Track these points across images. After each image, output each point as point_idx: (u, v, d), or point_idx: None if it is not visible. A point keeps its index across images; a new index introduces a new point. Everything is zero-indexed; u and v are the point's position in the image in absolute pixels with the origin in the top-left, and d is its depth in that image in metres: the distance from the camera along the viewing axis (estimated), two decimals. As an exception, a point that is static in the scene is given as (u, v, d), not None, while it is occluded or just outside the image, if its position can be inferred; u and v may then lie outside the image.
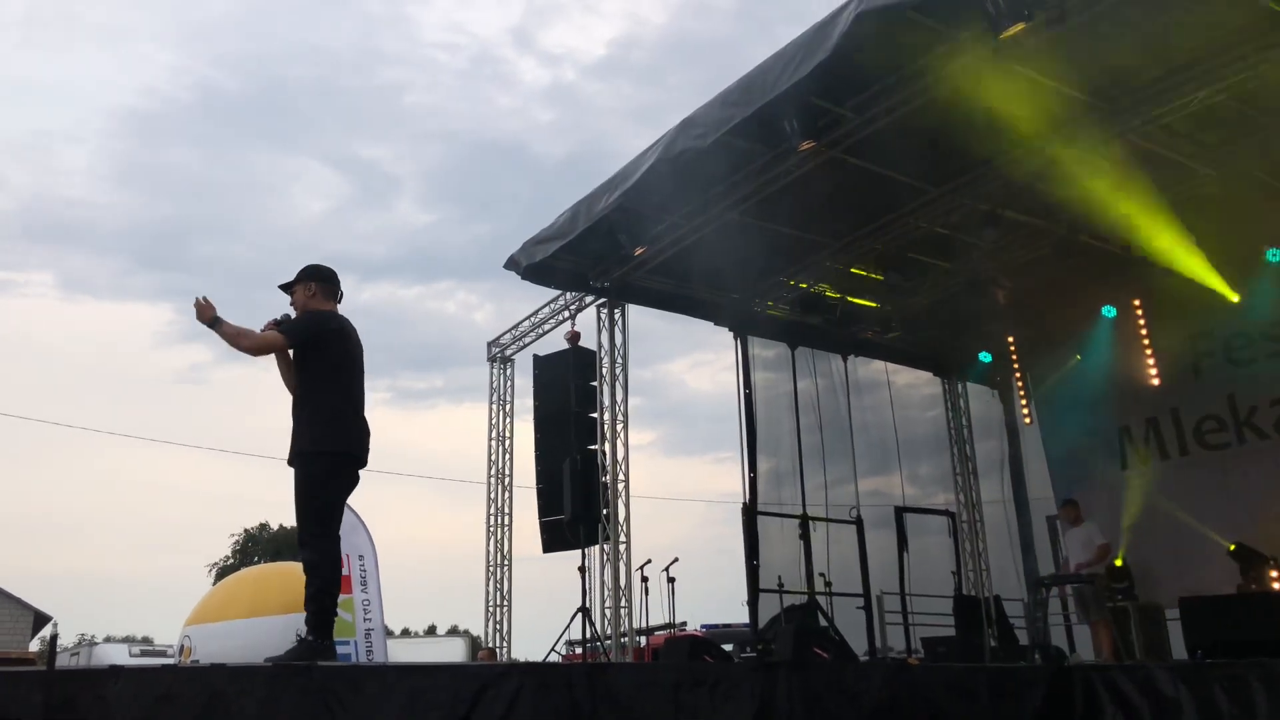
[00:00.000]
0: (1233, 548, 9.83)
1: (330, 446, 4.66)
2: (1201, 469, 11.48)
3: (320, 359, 4.76)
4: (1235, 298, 10.96)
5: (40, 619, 30.78)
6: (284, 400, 4.80)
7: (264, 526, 39.08)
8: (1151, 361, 11.86)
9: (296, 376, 4.79)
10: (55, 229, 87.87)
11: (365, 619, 9.76)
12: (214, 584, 24.77)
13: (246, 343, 4.67)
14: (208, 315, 4.63)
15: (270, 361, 4.84)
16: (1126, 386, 12.09)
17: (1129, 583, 10.58)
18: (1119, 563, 10.85)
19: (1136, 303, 11.95)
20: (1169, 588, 10.02)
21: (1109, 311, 12.17)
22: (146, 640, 30.20)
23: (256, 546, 37.83)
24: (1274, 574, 9.53)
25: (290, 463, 4.68)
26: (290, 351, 4.83)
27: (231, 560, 36.88)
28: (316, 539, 4.54)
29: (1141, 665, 5.57)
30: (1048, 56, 7.97)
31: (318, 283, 4.97)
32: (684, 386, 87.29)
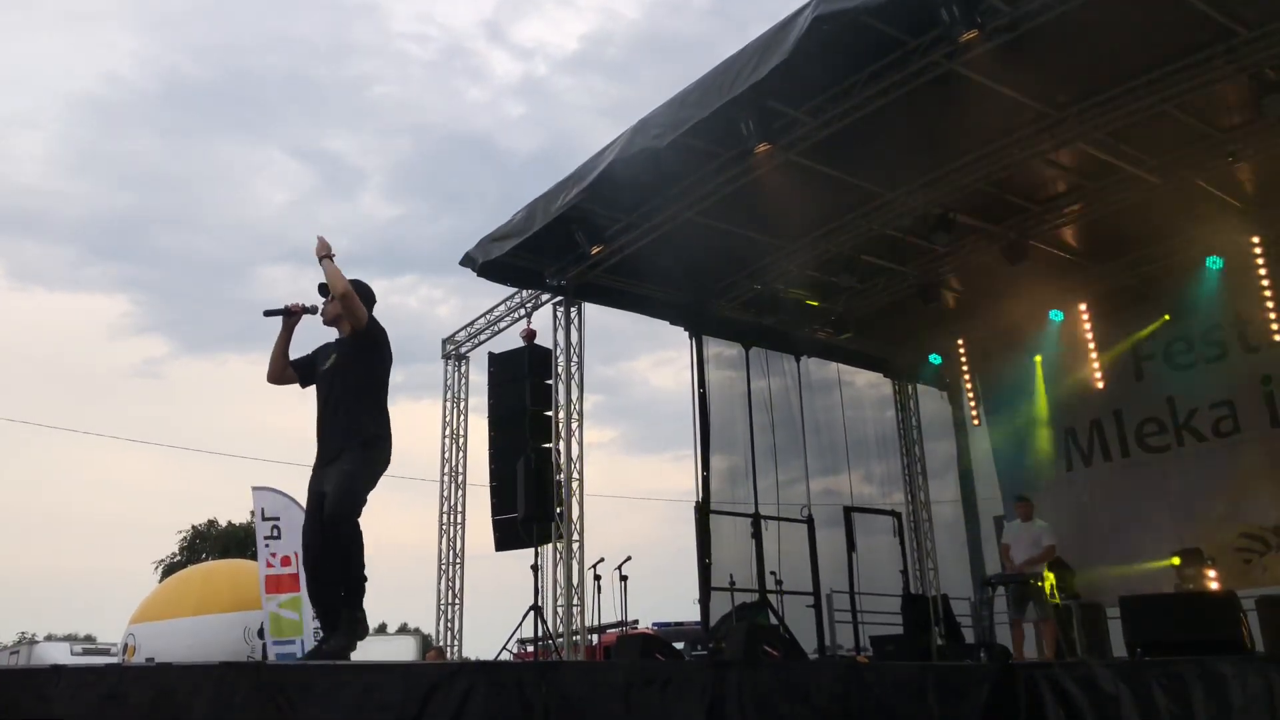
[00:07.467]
0: (1177, 561, 10.04)
1: (389, 437, 4.90)
2: (1142, 471, 11.76)
3: (382, 360, 5.03)
4: (1176, 303, 11.26)
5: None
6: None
7: (213, 523, 38.37)
8: (1096, 364, 12.13)
9: (355, 372, 4.91)
10: (8, 217, 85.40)
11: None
12: (160, 581, 24.36)
13: (345, 289, 4.84)
14: (325, 249, 4.87)
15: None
16: (1072, 389, 12.36)
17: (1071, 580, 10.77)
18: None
19: (1082, 306, 12.21)
20: (1110, 587, 10.24)
21: (1056, 315, 12.41)
22: (89, 639, 29.53)
23: (205, 544, 37.12)
24: (1211, 574, 9.79)
25: (340, 451, 4.75)
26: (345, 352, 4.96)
27: (179, 558, 36.15)
28: (355, 521, 4.74)
29: (1083, 663, 5.67)
30: (1000, 64, 8.11)
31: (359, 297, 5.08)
32: (646, 384, 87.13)
